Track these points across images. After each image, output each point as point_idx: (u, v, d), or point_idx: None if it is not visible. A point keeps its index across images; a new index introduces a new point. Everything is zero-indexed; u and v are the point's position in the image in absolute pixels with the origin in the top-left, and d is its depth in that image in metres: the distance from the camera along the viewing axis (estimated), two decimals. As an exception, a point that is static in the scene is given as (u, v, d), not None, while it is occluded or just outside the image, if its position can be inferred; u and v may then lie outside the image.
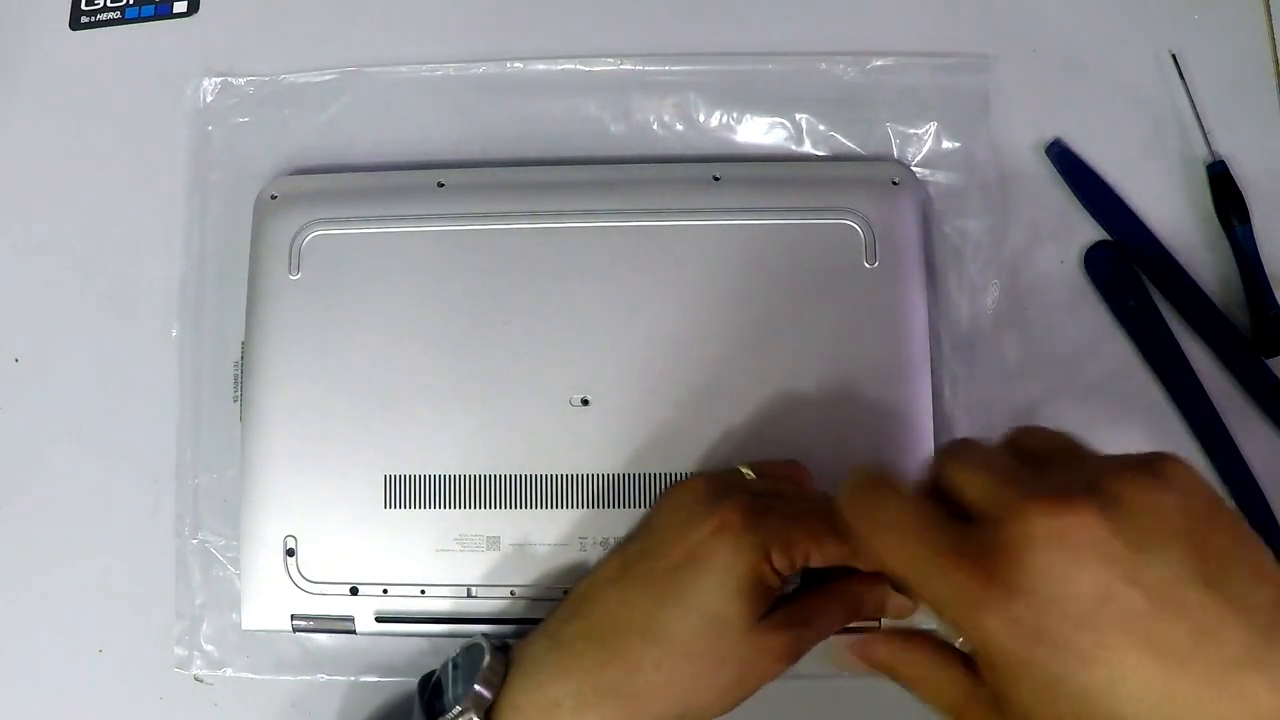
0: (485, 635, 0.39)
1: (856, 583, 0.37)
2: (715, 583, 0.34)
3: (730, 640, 0.35)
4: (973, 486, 0.28)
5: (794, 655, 0.36)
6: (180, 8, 0.51)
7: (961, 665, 0.29)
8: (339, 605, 0.43)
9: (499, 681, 0.36)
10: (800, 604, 0.36)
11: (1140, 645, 0.24)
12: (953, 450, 0.31)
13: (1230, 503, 0.28)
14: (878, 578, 0.37)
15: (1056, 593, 0.25)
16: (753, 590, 0.35)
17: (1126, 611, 0.24)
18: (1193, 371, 0.45)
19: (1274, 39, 0.48)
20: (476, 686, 0.36)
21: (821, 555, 0.35)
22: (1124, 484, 0.26)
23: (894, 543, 0.29)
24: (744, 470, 0.39)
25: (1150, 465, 0.26)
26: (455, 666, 0.38)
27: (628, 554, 0.38)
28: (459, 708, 0.35)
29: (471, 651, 0.38)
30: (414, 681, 0.39)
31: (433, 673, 0.39)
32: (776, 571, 0.35)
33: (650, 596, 0.35)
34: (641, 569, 0.36)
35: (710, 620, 0.34)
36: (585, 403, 0.43)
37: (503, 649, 0.38)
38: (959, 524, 0.28)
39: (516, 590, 0.42)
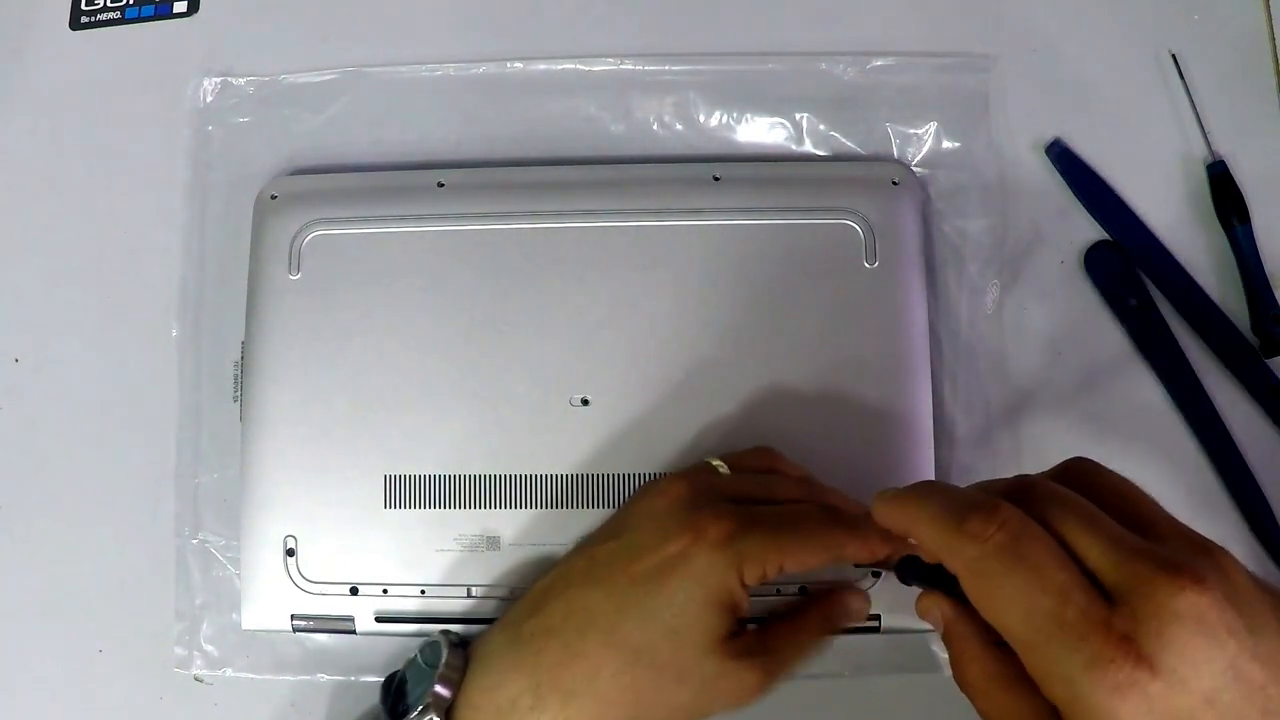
0: (444, 631, 0.39)
1: (824, 606, 0.37)
2: (684, 596, 0.34)
3: (690, 655, 0.34)
4: (1095, 550, 0.27)
5: (765, 682, 0.35)
6: (180, 8, 0.51)
7: (1047, 705, 0.27)
8: (339, 605, 0.43)
9: (459, 678, 0.36)
10: (768, 631, 0.36)
11: (1260, 714, 0.25)
12: (1053, 497, 0.29)
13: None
14: (844, 596, 0.37)
15: (1195, 672, 0.25)
16: (721, 606, 0.34)
17: (1250, 685, 0.25)
18: (1193, 371, 0.45)
19: (1274, 39, 0.48)
20: (436, 686, 0.36)
21: (796, 566, 0.34)
22: (1224, 559, 0.27)
23: (1032, 594, 0.26)
24: (717, 465, 0.39)
25: (1215, 545, 0.27)
26: (417, 665, 0.38)
27: (596, 554, 0.38)
28: (420, 708, 0.35)
29: (432, 649, 0.38)
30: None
31: (396, 673, 0.39)
32: (746, 586, 0.34)
33: (615, 601, 0.35)
34: (609, 571, 0.36)
35: (673, 632, 0.34)
36: (585, 403, 0.43)
37: (461, 644, 0.38)
38: (1097, 591, 0.26)
39: (516, 590, 0.42)
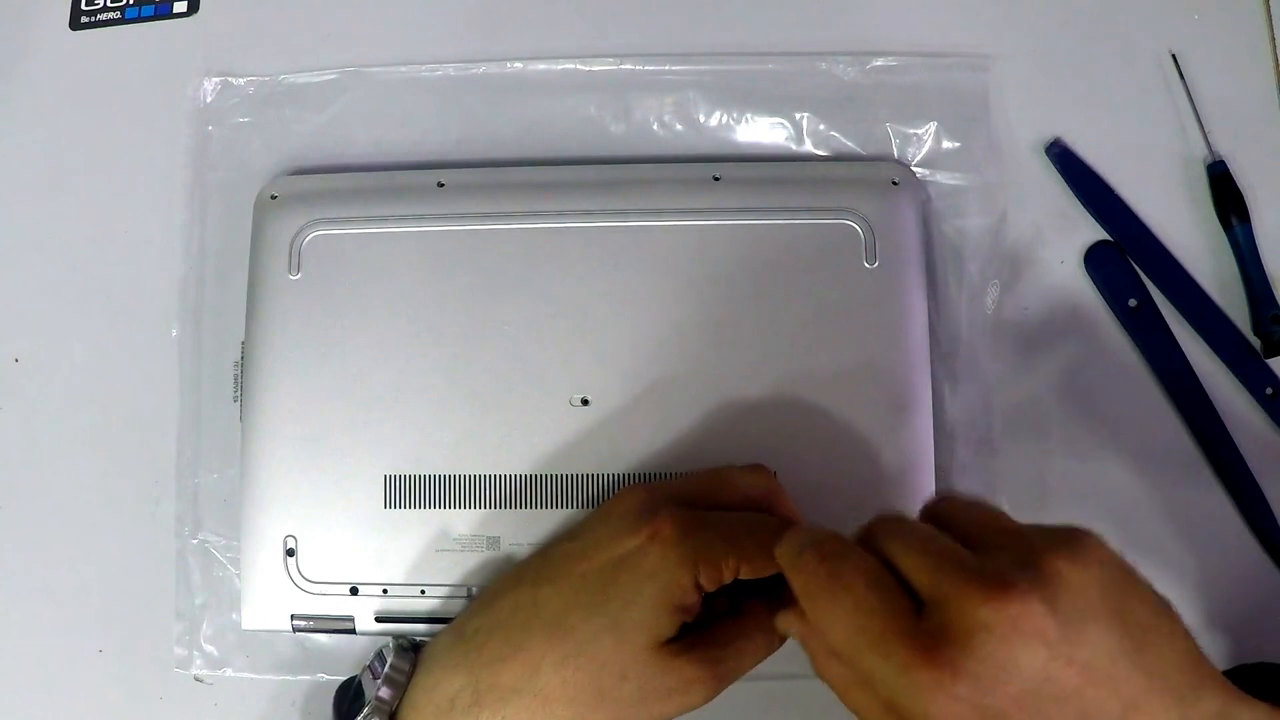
0: (396, 636, 0.39)
1: (774, 610, 0.36)
2: (634, 591, 0.34)
3: (633, 651, 0.34)
4: (915, 569, 0.29)
5: (712, 682, 0.35)
6: (180, 8, 0.51)
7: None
8: (339, 605, 0.43)
9: (404, 680, 0.37)
10: (712, 631, 0.36)
11: (1077, 717, 0.26)
12: (886, 527, 0.31)
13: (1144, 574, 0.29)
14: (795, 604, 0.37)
15: (1001, 676, 0.26)
16: (670, 606, 0.34)
17: (1064, 689, 0.26)
18: (1193, 371, 0.45)
19: (1274, 39, 0.48)
20: (380, 689, 0.36)
21: (751, 570, 0.34)
22: (1054, 564, 0.27)
23: (847, 612, 0.29)
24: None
25: (1070, 542, 0.28)
26: (369, 670, 0.38)
27: (551, 554, 0.38)
28: (365, 711, 0.36)
29: (382, 653, 0.38)
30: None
31: (352, 679, 0.39)
32: (700, 587, 0.34)
33: (563, 596, 0.35)
34: (562, 569, 0.36)
35: (616, 626, 0.34)
36: (585, 403, 0.43)
37: (413, 648, 0.38)
38: (909, 602, 0.28)
39: (516, 590, 0.42)
